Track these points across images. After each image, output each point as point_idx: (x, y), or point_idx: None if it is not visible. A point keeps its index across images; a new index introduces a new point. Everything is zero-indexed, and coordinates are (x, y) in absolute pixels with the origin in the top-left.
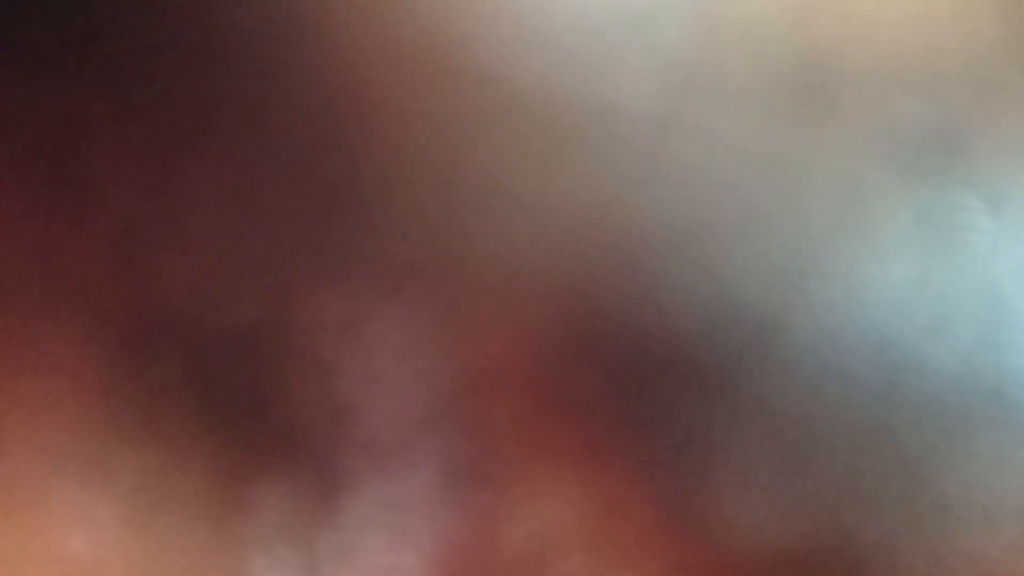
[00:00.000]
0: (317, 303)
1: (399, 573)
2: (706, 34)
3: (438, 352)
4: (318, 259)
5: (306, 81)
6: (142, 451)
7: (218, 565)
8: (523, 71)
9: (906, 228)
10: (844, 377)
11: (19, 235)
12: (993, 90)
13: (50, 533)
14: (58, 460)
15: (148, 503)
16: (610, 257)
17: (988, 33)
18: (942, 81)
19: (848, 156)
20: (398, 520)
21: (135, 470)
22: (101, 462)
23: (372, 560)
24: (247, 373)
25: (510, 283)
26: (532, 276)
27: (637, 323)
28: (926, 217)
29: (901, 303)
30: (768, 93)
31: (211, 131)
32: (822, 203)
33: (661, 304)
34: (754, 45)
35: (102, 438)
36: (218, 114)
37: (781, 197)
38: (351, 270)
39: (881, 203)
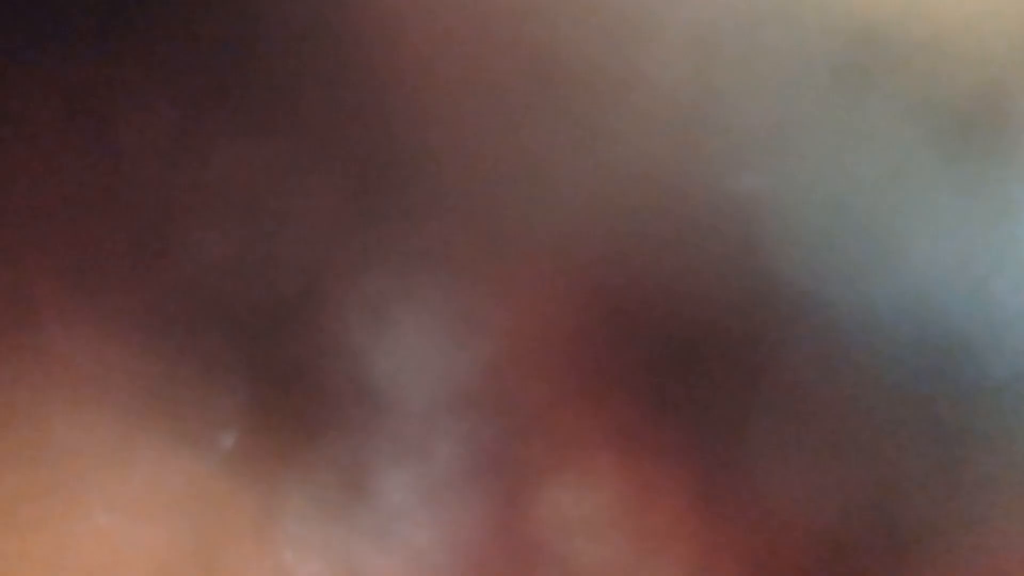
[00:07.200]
0: (350, 281)
1: (431, 556)
2: (747, 7)
3: (472, 333)
4: (351, 236)
5: (343, 52)
6: (172, 431)
7: (251, 546)
8: (564, 43)
9: (949, 202)
10: (883, 356)
11: (50, 203)
12: None
13: (80, 513)
14: (89, 440)
15: (180, 486)
16: (645, 235)
17: None
18: (986, 55)
19: (890, 130)
20: (430, 504)
21: (164, 451)
22: (129, 443)
23: (405, 543)
24: (280, 352)
25: (545, 263)
26: (567, 256)
27: (673, 302)
28: (969, 191)
29: (943, 280)
30: (808, 68)
31: (246, 103)
32: (863, 179)
33: (698, 282)
34: (794, 19)
35: (130, 418)
36: (254, 86)
37: (821, 173)
38: (385, 247)
39: (923, 178)
